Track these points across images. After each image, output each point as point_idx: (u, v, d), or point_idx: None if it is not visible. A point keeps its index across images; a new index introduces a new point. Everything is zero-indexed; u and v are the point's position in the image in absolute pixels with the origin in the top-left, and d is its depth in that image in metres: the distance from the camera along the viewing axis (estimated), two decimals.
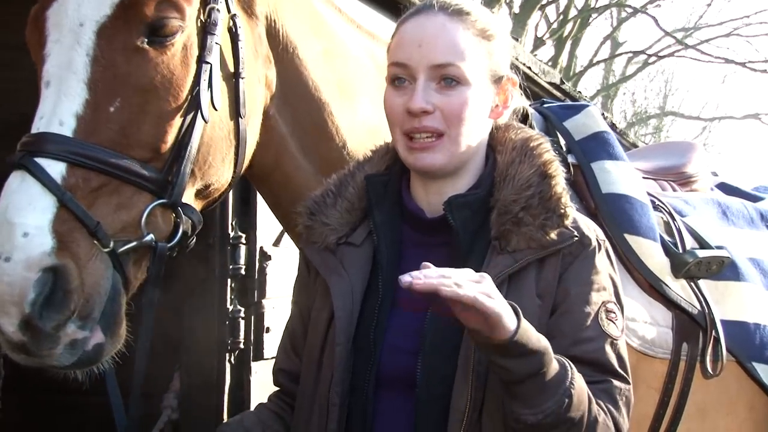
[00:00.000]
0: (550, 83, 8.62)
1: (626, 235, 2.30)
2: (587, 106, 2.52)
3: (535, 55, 9.51)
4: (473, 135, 1.85)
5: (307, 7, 2.29)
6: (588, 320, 1.78)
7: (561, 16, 22.43)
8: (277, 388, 2.08)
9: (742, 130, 55.24)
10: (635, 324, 2.30)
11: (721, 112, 32.30)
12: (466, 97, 1.81)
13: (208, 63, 1.93)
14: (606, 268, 1.86)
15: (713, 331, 2.43)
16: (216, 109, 1.95)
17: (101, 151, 1.76)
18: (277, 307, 3.43)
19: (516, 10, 20.16)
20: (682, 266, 2.39)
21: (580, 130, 2.45)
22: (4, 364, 3.22)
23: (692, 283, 2.45)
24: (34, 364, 1.73)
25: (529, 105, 2.58)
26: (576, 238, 1.81)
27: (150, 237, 1.82)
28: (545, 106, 2.59)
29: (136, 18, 1.83)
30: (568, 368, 1.67)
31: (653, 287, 2.36)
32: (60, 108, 1.77)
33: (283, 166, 2.23)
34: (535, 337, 1.62)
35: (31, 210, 1.68)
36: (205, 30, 1.94)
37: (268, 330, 3.43)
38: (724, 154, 34.86)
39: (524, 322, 1.60)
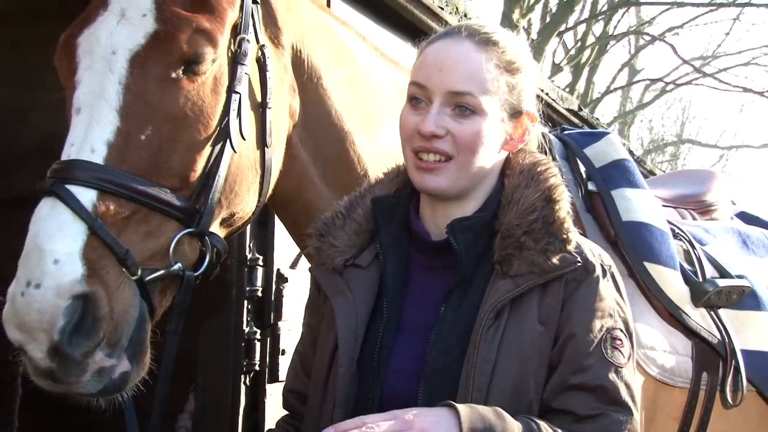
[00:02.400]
0: (568, 110, 8.64)
1: (646, 263, 2.30)
2: (608, 133, 2.52)
3: (553, 81, 9.54)
4: (481, 164, 1.84)
5: (331, 36, 2.31)
6: (591, 348, 1.76)
7: (579, 43, 22.47)
8: (287, 413, 2.08)
9: (760, 158, 54.86)
10: (654, 353, 2.28)
11: (738, 141, 32.23)
12: (479, 127, 1.81)
13: (237, 93, 1.94)
14: (611, 294, 1.83)
15: (733, 361, 2.42)
16: (244, 139, 1.96)
17: (132, 179, 1.76)
18: (293, 330, 3.43)
19: (534, 36, 20.23)
20: (701, 295, 2.38)
21: (601, 157, 2.45)
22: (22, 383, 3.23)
23: (712, 312, 2.44)
24: (60, 391, 1.73)
25: (549, 131, 2.58)
26: (579, 264, 1.80)
27: (178, 266, 1.82)
28: (565, 132, 2.59)
29: (170, 49, 1.84)
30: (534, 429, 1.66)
31: (673, 316, 2.35)
32: (91, 135, 1.78)
33: (305, 193, 2.24)
34: (483, 423, 1.62)
35: (62, 237, 1.68)
36: (235, 60, 1.95)
37: (283, 352, 3.42)
38: (741, 182, 34.65)
39: (465, 420, 1.60)
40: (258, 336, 3.37)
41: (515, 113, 1.88)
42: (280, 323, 3.44)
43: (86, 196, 1.72)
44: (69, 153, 1.77)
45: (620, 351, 1.78)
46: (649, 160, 21.62)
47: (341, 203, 2.03)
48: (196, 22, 1.87)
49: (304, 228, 2.24)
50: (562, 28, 20.71)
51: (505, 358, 1.75)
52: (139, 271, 1.75)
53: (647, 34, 23.97)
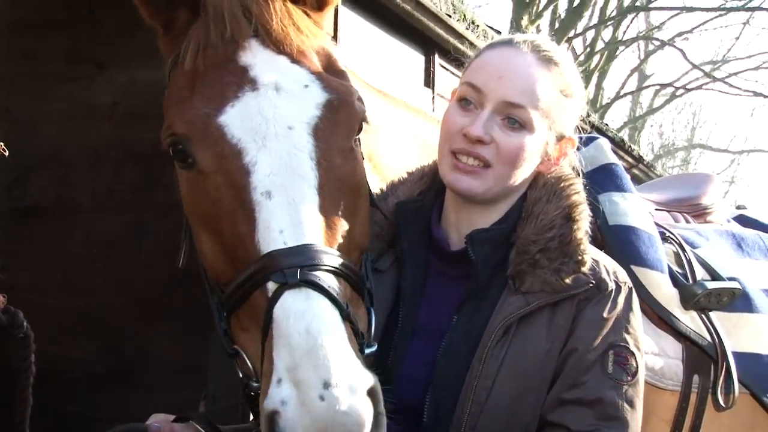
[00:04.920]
0: None
1: (633, 267, 2.30)
2: (596, 138, 2.54)
3: None
4: (518, 178, 1.86)
5: None
6: (590, 363, 1.76)
7: (588, 49, 22.45)
8: None
9: None
10: (644, 356, 2.29)
11: (749, 145, 32.14)
12: (525, 143, 1.82)
13: (364, 158, 1.91)
14: (622, 311, 1.82)
15: (725, 363, 2.42)
16: (375, 206, 1.93)
17: (347, 259, 1.67)
18: None
19: None
20: (691, 298, 2.39)
21: (589, 162, 2.46)
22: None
23: (703, 315, 2.44)
24: None
25: None
26: (591, 285, 1.79)
27: (375, 346, 1.72)
28: None
29: (347, 117, 1.78)
30: None
31: (662, 319, 2.35)
32: (302, 217, 1.64)
33: None
34: None
35: (336, 329, 1.54)
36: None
37: None
38: (752, 187, 34.46)
39: None
40: None
41: (559, 136, 1.90)
42: None
43: (333, 281, 1.61)
44: (284, 240, 1.62)
45: (623, 368, 1.77)
46: (659, 165, 21.57)
47: None
48: (354, 89, 1.82)
49: None
50: (571, 33, 20.68)
51: (506, 375, 1.75)
52: None
53: (656, 39, 23.95)
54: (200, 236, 1.76)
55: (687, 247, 2.55)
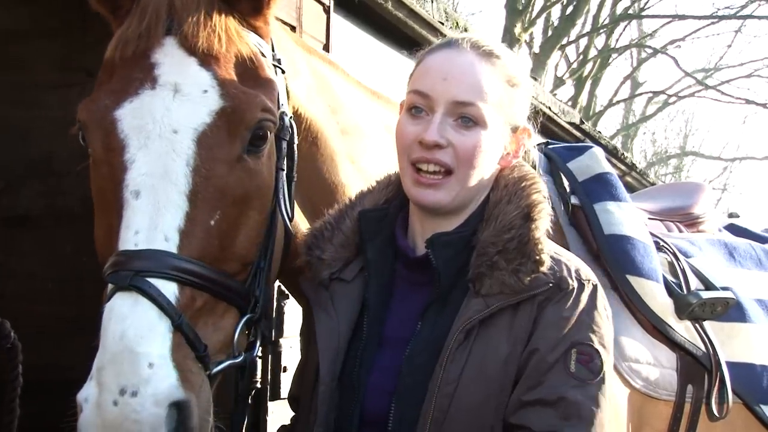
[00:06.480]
0: (570, 123, 8.66)
1: (628, 276, 2.30)
2: (591, 147, 2.54)
3: (555, 94, 9.58)
4: (480, 177, 1.84)
5: (325, 89, 2.25)
6: (551, 362, 1.73)
7: (581, 56, 22.54)
8: (287, 423, 2.10)
9: (764, 170, 54.67)
10: (639, 365, 2.28)
11: (741, 153, 32.16)
12: (481, 139, 1.80)
13: (282, 170, 1.88)
14: (586, 308, 1.78)
15: (718, 373, 2.41)
16: (291, 219, 1.91)
17: (205, 268, 1.66)
18: (295, 347, 3.41)
19: (536, 49, 20.28)
20: (686, 307, 2.38)
21: (584, 171, 2.46)
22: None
23: (697, 325, 2.43)
24: None
25: (534, 146, 2.60)
26: (552, 285, 1.76)
27: (243, 357, 1.75)
28: (550, 147, 2.61)
29: (239, 127, 1.75)
30: None
31: (657, 328, 2.34)
32: (162, 222, 1.65)
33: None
34: None
35: (153, 337, 1.55)
36: (279, 135, 1.89)
37: (285, 369, 3.41)
38: (745, 194, 34.59)
39: None
40: (259, 353, 3.37)
41: (513, 128, 1.88)
42: (281, 340, 3.43)
43: (169, 289, 1.61)
44: (136, 241, 1.64)
45: (587, 366, 1.73)
46: (652, 173, 21.64)
47: (331, 213, 2.01)
48: (260, 99, 1.79)
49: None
50: (564, 41, 20.78)
51: (468, 380, 1.73)
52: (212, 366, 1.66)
53: (649, 46, 24.04)
54: (95, 221, 1.82)
55: (681, 257, 2.55)
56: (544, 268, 1.77)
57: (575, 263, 1.85)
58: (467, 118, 1.80)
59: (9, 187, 5.26)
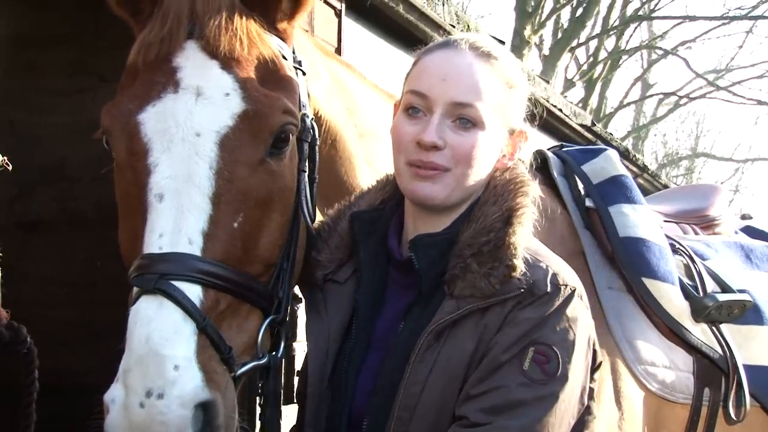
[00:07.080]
0: (582, 125, 8.65)
1: (644, 279, 2.29)
2: (605, 149, 2.52)
3: (566, 96, 9.54)
4: (476, 178, 1.82)
5: (342, 91, 2.26)
6: (505, 359, 1.68)
7: (591, 58, 22.49)
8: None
9: None
10: (655, 368, 2.27)
11: (753, 154, 32.17)
12: (479, 140, 1.79)
13: (304, 171, 1.89)
14: (555, 311, 1.72)
15: (736, 376, 2.40)
16: (313, 221, 1.92)
17: (229, 271, 1.68)
18: None
19: (546, 51, 20.28)
20: (702, 310, 2.37)
21: (598, 173, 2.45)
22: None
23: (713, 328, 2.42)
24: None
25: (548, 149, 2.59)
26: (523, 290, 1.72)
27: (267, 358, 1.76)
28: (564, 149, 2.60)
29: (261, 129, 1.76)
30: None
31: (673, 331, 2.33)
32: (186, 225, 1.66)
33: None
34: None
35: (178, 340, 1.57)
36: (301, 137, 1.89)
37: (298, 373, 3.42)
38: (757, 195, 34.39)
39: None
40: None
41: (510, 130, 1.87)
42: (294, 344, 3.43)
43: (193, 292, 1.62)
44: (160, 244, 1.65)
45: (541, 367, 1.68)
46: (663, 175, 21.55)
47: (331, 213, 2.01)
48: (282, 101, 1.80)
49: None
50: (574, 43, 20.74)
51: (435, 380, 1.72)
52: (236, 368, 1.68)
53: (660, 48, 23.98)
54: (119, 225, 1.82)
55: (697, 259, 2.54)
56: (516, 273, 1.72)
57: (555, 267, 1.79)
58: (466, 119, 1.78)
59: (22, 192, 5.29)
